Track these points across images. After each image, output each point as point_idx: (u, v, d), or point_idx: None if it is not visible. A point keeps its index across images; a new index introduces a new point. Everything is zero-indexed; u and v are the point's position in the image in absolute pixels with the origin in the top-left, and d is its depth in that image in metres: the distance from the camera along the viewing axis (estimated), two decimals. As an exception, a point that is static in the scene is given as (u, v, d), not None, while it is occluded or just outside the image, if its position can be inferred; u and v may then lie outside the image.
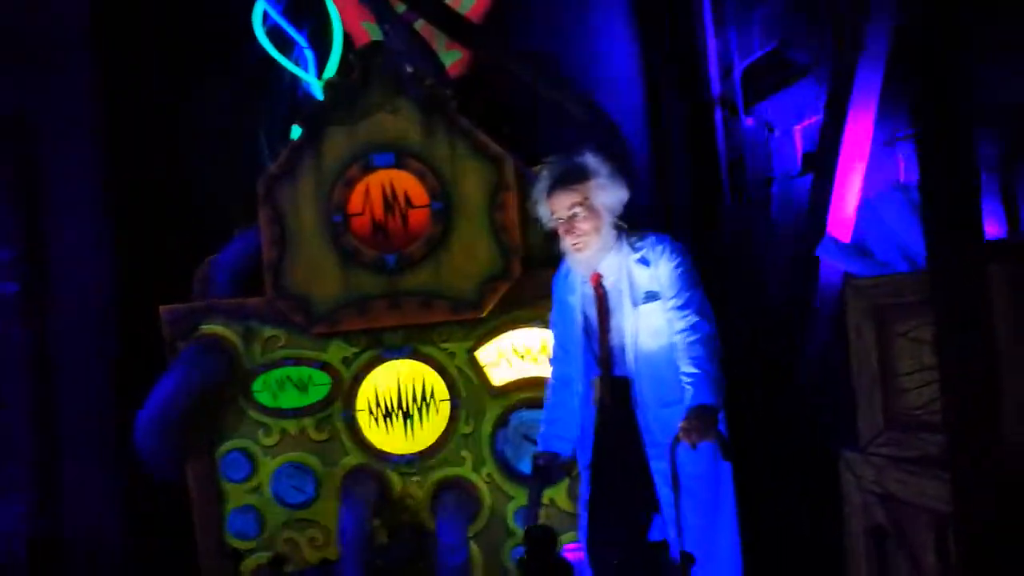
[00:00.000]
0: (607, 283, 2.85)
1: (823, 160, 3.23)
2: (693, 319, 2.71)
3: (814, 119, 3.48)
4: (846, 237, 3.14)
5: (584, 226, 2.79)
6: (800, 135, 3.67)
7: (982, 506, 1.66)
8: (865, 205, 3.04)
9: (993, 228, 2.22)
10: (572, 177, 2.81)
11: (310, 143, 3.60)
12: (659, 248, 2.81)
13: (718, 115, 4.20)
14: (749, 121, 4.04)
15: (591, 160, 2.83)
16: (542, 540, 1.83)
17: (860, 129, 3.09)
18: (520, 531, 3.31)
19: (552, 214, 2.84)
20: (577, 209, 2.78)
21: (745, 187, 4.09)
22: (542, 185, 2.86)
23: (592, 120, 3.85)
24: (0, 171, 4.22)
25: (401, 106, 3.55)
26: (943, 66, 1.79)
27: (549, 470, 2.85)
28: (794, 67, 3.60)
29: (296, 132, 3.91)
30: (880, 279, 2.38)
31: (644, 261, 2.80)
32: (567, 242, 2.83)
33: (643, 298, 2.79)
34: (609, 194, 2.81)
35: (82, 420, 4.19)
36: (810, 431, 3.27)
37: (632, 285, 2.80)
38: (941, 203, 1.81)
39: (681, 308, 2.73)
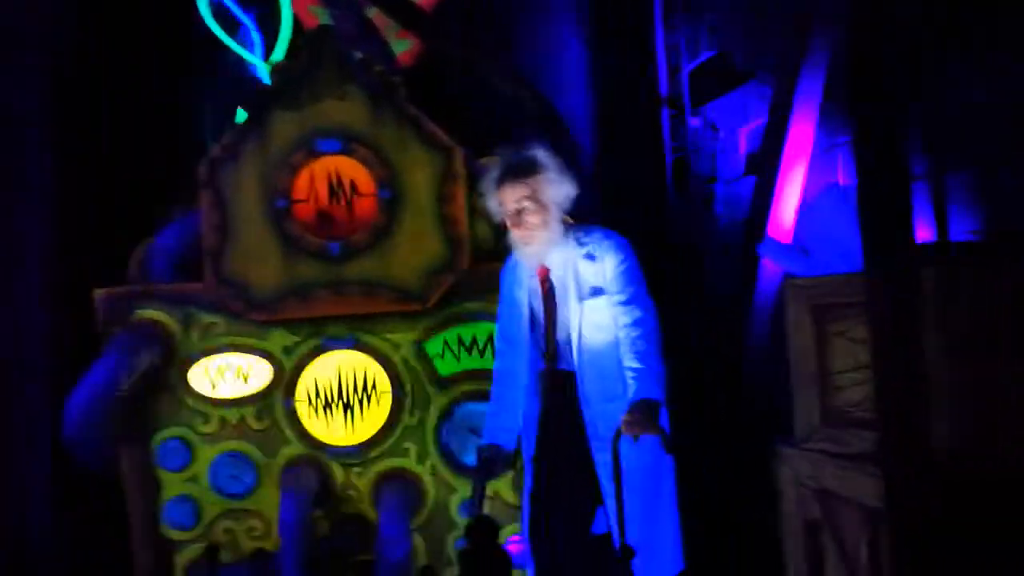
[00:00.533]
0: (553, 277, 2.87)
1: (765, 162, 3.31)
2: (637, 314, 2.75)
3: (758, 122, 3.56)
4: (787, 237, 3.22)
5: (532, 219, 2.81)
6: (744, 137, 3.76)
7: (912, 502, 1.73)
8: (805, 207, 3.13)
9: (924, 233, 2.32)
10: (521, 170, 2.82)
11: (255, 127, 3.52)
12: (605, 244, 2.84)
13: (665, 115, 4.27)
14: (695, 122, 4.12)
15: (540, 154, 2.85)
16: (483, 531, 1.84)
17: (802, 133, 3.18)
18: (464, 523, 3.32)
19: (500, 206, 2.86)
20: (526, 203, 2.80)
21: (689, 186, 4.16)
22: (492, 177, 2.87)
23: (541, 114, 3.87)
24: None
25: (349, 92, 3.50)
26: (879, 75, 1.85)
27: (493, 462, 2.86)
28: (740, 71, 3.68)
29: (241, 115, 3.84)
30: (818, 279, 2.46)
31: (590, 256, 2.84)
32: (515, 235, 2.85)
33: (588, 293, 2.82)
34: (557, 189, 2.83)
35: (10, 408, 4.04)
36: (750, 426, 3.36)
37: (578, 280, 2.83)
38: (876, 207, 1.88)
39: (625, 303, 2.77)
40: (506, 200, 2.83)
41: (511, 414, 2.94)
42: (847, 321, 2.34)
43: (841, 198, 2.93)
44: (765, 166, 3.30)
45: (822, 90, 3.11)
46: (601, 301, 2.81)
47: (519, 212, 2.81)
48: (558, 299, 2.86)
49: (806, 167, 3.18)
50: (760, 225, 3.23)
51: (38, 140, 4.08)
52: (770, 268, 3.27)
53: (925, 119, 2.09)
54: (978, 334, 1.94)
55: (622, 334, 2.77)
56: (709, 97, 3.96)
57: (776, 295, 3.24)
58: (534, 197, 2.80)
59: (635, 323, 2.74)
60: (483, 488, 2.83)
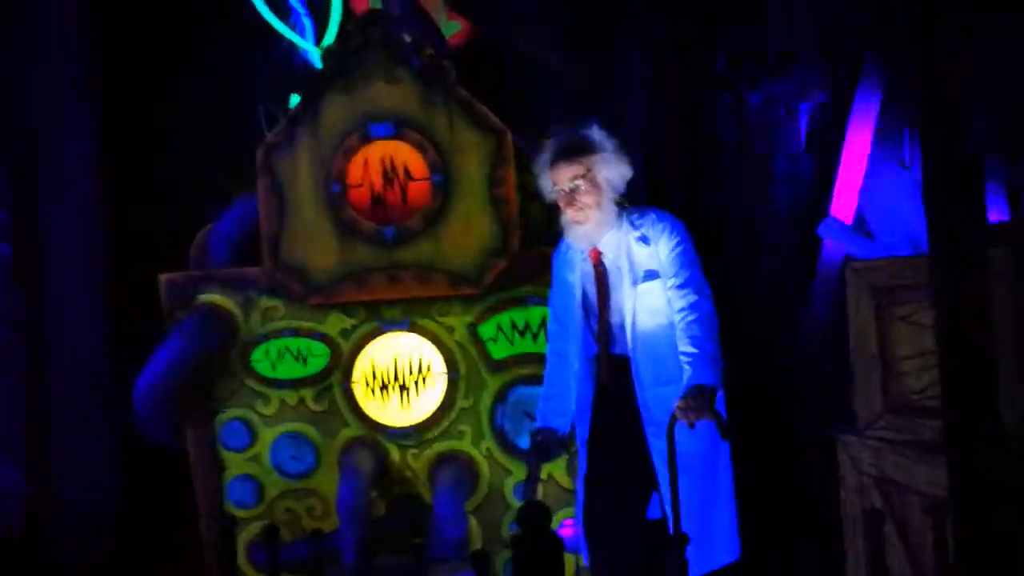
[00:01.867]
0: (607, 260, 2.84)
1: (828, 139, 3.21)
2: (692, 298, 2.71)
3: (820, 98, 3.46)
4: (848, 218, 3.13)
5: (585, 199, 2.78)
6: (806, 114, 3.65)
7: (978, 493, 1.68)
8: (868, 186, 3.03)
9: (995, 214, 2.22)
10: (576, 149, 2.80)
11: (308, 112, 3.55)
12: (659, 226, 2.80)
13: (724, 93, 4.17)
14: (755, 98, 4.01)
15: (596, 133, 2.82)
16: (535, 516, 1.85)
17: (866, 108, 3.07)
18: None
19: (554, 186, 2.83)
20: (579, 182, 2.78)
21: (748, 165, 4.07)
22: (545, 157, 2.85)
23: (593, 93, 3.82)
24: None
25: (400, 76, 3.51)
26: (946, 50, 1.77)
27: (547, 446, 2.87)
28: (800, 47, 3.57)
29: (294, 100, 3.87)
30: (880, 261, 2.39)
31: (644, 239, 2.80)
32: (567, 215, 2.82)
33: (643, 276, 2.79)
34: (612, 169, 2.80)
35: (76, 388, 4.20)
36: (809, 413, 3.29)
37: (632, 263, 2.80)
38: (943, 187, 1.81)
39: (680, 287, 2.73)
40: (559, 179, 2.81)
41: (564, 397, 2.93)
42: (910, 305, 2.27)
43: (905, 178, 2.82)
44: (827, 143, 3.20)
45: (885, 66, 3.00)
46: (656, 285, 2.77)
47: (572, 191, 2.78)
48: (612, 283, 2.83)
49: (868, 146, 3.08)
50: (822, 204, 3.14)
51: (89, 129, 4.19)
52: (833, 250, 3.18)
53: (998, 98, 1.99)
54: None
55: (677, 318, 2.73)
56: (769, 74, 3.85)
57: (837, 277, 3.15)
58: (588, 176, 2.77)
59: (690, 307, 2.70)
60: (537, 471, 2.84)
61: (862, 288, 2.44)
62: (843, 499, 2.35)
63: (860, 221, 3.08)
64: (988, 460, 1.74)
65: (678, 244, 2.77)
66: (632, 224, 2.82)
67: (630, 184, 2.84)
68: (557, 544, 1.88)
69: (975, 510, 1.66)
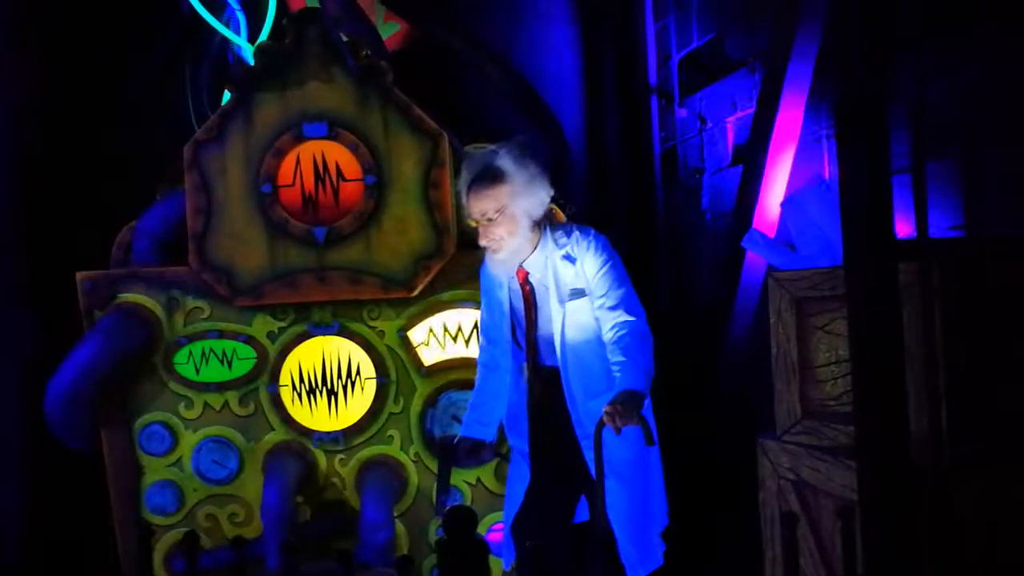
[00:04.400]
0: (533, 280, 2.83)
1: (752, 153, 3.30)
2: (623, 317, 2.70)
3: (746, 112, 3.56)
4: (771, 230, 3.23)
5: (498, 231, 2.74)
6: (732, 127, 3.75)
7: (886, 495, 1.75)
8: (790, 200, 3.13)
9: (904, 229, 2.33)
10: (487, 181, 2.73)
11: (240, 109, 3.49)
12: (583, 244, 2.77)
13: (654, 104, 4.26)
14: (683, 112, 4.10)
15: (509, 161, 2.74)
16: (461, 520, 1.85)
17: (789, 123, 3.17)
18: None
19: (469, 214, 2.80)
20: (492, 215, 2.73)
21: (677, 177, 4.16)
22: (462, 181, 2.80)
23: (527, 101, 3.84)
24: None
25: (335, 75, 3.47)
26: (864, 65, 1.84)
27: (454, 451, 2.86)
28: (729, 60, 3.67)
29: (226, 97, 3.80)
30: (800, 272, 2.46)
31: (569, 258, 2.78)
32: (482, 244, 2.80)
33: (568, 295, 2.77)
34: (527, 198, 2.74)
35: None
36: (733, 420, 3.37)
37: (557, 283, 2.78)
38: (857, 200, 1.88)
39: (611, 309, 2.72)
40: (472, 210, 2.77)
41: (492, 407, 2.94)
42: (828, 315, 2.35)
43: (826, 191, 2.92)
44: (752, 157, 3.29)
45: (810, 80, 3.10)
46: (583, 303, 2.77)
47: (486, 222, 2.75)
48: (539, 300, 2.82)
49: (792, 158, 3.18)
50: (745, 217, 3.23)
51: (12, 117, 4.02)
52: (756, 261, 3.27)
53: (908, 108, 2.09)
54: (957, 329, 1.96)
55: (608, 336, 2.72)
56: (697, 86, 3.94)
57: (761, 288, 3.24)
58: (500, 209, 2.72)
59: (621, 325, 2.70)
60: (447, 477, 2.83)
61: (783, 298, 2.51)
62: (762, 501, 2.41)
63: (782, 234, 3.17)
64: (895, 465, 1.81)
65: (604, 263, 2.75)
66: (556, 243, 2.79)
67: (563, 191, 2.85)
68: (483, 548, 1.89)
69: (880, 514, 1.72)
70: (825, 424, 2.27)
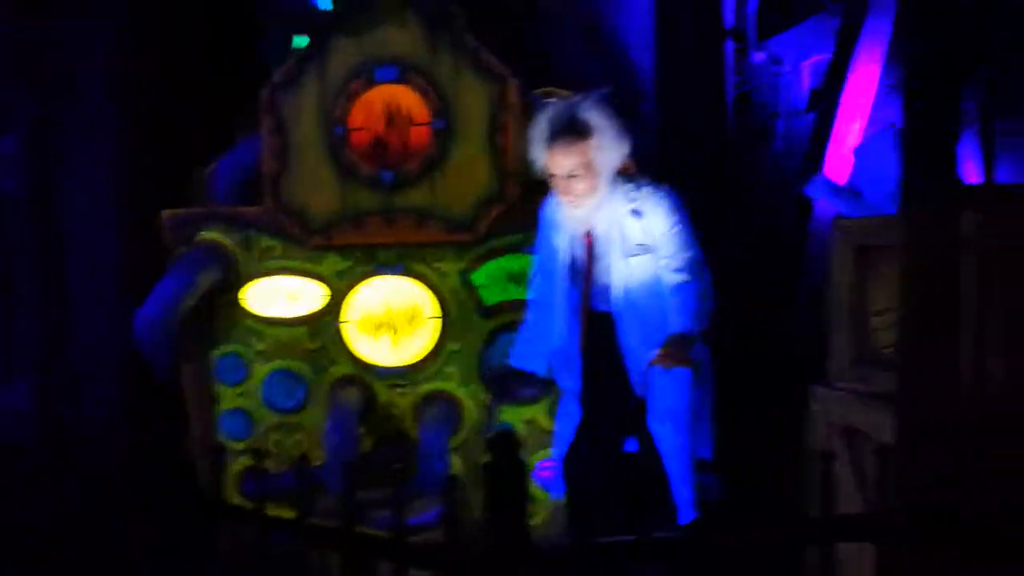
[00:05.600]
0: (597, 231, 2.79)
1: (827, 99, 3.18)
2: (687, 280, 2.69)
3: (823, 57, 3.42)
4: (842, 178, 3.12)
5: (580, 186, 2.69)
6: (808, 72, 3.61)
7: (922, 443, 1.70)
8: (861, 147, 3.01)
9: (971, 178, 2.22)
10: (572, 134, 2.66)
11: (315, 53, 3.56)
12: (653, 200, 2.73)
13: (729, 47, 4.13)
14: (759, 55, 3.97)
15: (595, 114, 2.67)
16: (503, 444, 1.90)
17: (866, 72, 3.04)
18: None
19: (549, 169, 2.73)
20: (577, 171, 2.67)
21: (750, 120, 4.04)
22: (541, 133, 2.72)
23: (600, 45, 3.79)
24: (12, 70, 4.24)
25: (407, 20, 3.50)
26: (938, 16, 1.76)
27: (505, 381, 2.89)
28: (807, 4, 3.52)
29: (301, 41, 3.89)
30: (865, 220, 2.39)
31: (637, 213, 2.73)
32: (562, 199, 2.75)
33: (634, 250, 2.74)
34: (611, 152, 2.69)
35: (87, 311, 4.30)
36: (795, 365, 3.30)
37: (623, 237, 2.75)
38: (919, 145, 1.82)
39: (677, 270, 2.70)
40: (555, 165, 2.70)
41: (541, 343, 2.96)
42: (891, 263, 2.28)
43: (895, 138, 2.80)
44: (826, 103, 3.17)
45: (890, 28, 2.95)
46: (646, 259, 2.74)
47: (568, 178, 2.70)
48: (602, 252, 2.79)
49: (868, 107, 3.05)
50: (815, 163, 3.12)
51: (103, 66, 4.23)
52: (823, 208, 3.17)
53: (985, 65, 1.97)
54: (1016, 281, 1.87)
55: (669, 293, 2.71)
56: (774, 30, 3.80)
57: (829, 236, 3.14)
58: (585, 163, 2.66)
59: (684, 288, 2.68)
60: (497, 409, 2.88)
61: (847, 245, 2.44)
62: (808, 446, 2.39)
63: (854, 180, 3.06)
64: (938, 413, 1.75)
65: (675, 224, 2.71)
66: (626, 196, 2.74)
67: (634, 137, 2.77)
68: (521, 470, 1.93)
69: (916, 459, 1.68)
70: (876, 371, 2.22)
